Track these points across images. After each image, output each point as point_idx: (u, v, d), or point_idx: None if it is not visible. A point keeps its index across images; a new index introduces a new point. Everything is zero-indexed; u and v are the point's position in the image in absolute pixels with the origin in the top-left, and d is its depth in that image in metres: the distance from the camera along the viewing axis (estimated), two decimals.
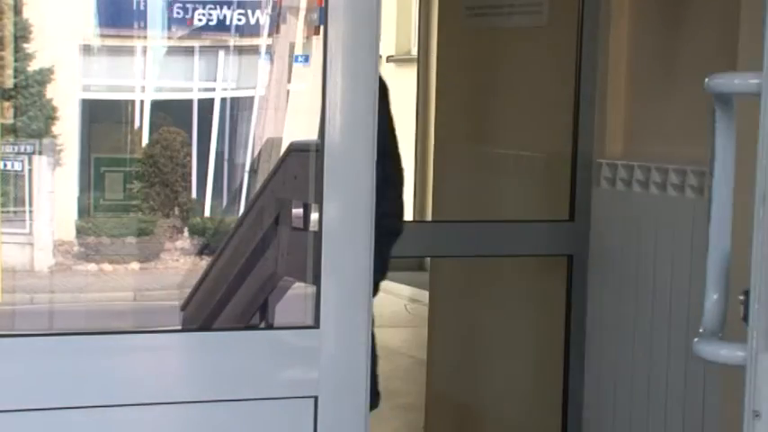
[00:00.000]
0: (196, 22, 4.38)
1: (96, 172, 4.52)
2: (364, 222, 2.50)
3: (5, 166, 3.97)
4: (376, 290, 2.63)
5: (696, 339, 2.04)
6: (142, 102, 4.67)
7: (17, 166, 4.03)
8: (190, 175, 4.63)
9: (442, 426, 5.01)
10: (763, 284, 1.91)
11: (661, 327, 3.88)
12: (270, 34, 4.12)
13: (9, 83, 4.03)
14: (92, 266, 4.52)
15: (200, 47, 4.54)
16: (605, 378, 4.14)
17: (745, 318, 1.95)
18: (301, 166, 2.77)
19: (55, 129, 4.27)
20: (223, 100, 4.52)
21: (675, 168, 3.84)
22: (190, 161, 4.56)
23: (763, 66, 1.91)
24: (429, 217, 5.39)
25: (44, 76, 4.17)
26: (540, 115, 4.43)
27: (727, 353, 2.00)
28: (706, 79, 2.01)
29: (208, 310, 3.21)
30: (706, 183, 3.49)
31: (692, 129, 3.71)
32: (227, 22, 4.45)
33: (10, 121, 4.02)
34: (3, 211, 3.69)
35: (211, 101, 4.55)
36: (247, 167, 4.42)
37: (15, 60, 4.02)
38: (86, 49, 4.42)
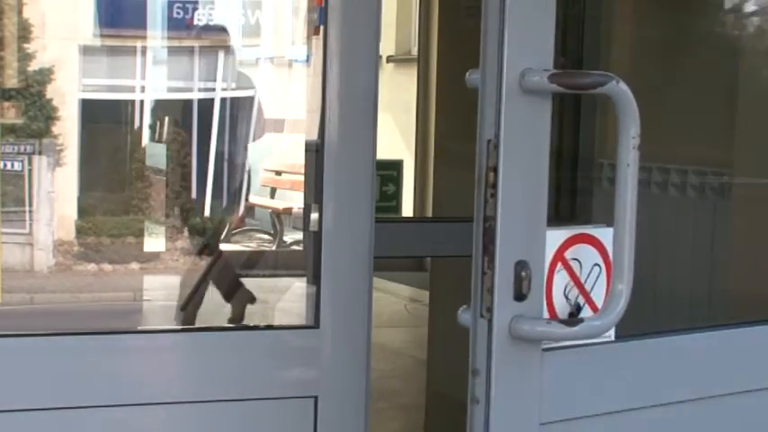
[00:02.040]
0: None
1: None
2: (364, 222, 2.50)
3: (5, 166, 3.96)
4: None
5: (462, 308, 2.20)
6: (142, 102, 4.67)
7: (17, 166, 4.03)
8: (190, 174, 4.62)
9: (442, 426, 5.00)
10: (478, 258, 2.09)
11: None
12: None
13: (9, 83, 4.03)
14: (92, 266, 4.52)
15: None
16: None
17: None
18: None
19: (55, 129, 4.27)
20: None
21: (677, 168, 3.84)
22: (190, 161, 4.56)
23: (480, 64, 2.13)
24: None
25: (44, 76, 4.17)
26: None
27: (466, 317, 2.17)
28: (467, 74, 2.21)
29: None
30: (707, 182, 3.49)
31: (693, 128, 3.71)
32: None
33: (10, 121, 4.02)
34: (3, 211, 3.69)
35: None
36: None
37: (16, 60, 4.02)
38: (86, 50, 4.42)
